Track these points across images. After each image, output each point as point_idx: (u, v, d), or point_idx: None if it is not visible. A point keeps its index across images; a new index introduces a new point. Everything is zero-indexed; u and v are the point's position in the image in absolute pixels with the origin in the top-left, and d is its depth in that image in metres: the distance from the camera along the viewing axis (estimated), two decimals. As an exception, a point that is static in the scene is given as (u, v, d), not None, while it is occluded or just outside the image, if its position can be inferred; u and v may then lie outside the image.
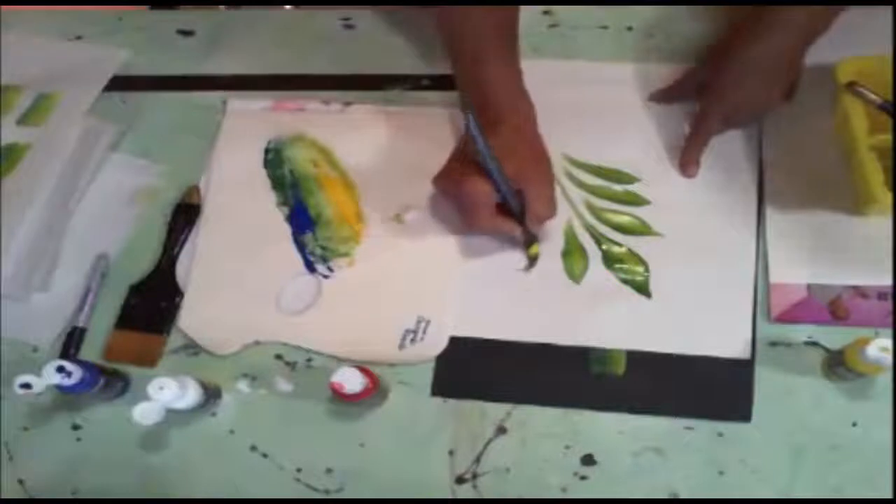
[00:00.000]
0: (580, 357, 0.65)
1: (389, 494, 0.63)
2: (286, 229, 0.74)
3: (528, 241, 0.68)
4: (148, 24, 0.90)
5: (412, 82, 0.81)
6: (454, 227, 0.72)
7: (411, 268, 0.70)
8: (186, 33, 0.88)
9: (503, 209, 0.65)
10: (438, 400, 0.66)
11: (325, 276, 0.71)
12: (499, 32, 0.69)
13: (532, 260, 0.69)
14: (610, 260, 0.69)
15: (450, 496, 0.62)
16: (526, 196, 0.64)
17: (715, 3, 0.78)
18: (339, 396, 0.61)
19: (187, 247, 0.75)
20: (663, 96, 0.75)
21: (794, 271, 0.65)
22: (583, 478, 0.62)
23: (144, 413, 0.61)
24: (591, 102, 0.76)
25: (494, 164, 0.61)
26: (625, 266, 0.68)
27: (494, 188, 0.63)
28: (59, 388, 0.62)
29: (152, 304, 0.72)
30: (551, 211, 0.66)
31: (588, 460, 0.62)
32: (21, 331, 0.73)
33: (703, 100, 0.71)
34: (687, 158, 0.71)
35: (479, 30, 0.69)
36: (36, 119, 0.83)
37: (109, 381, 0.66)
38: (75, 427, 0.69)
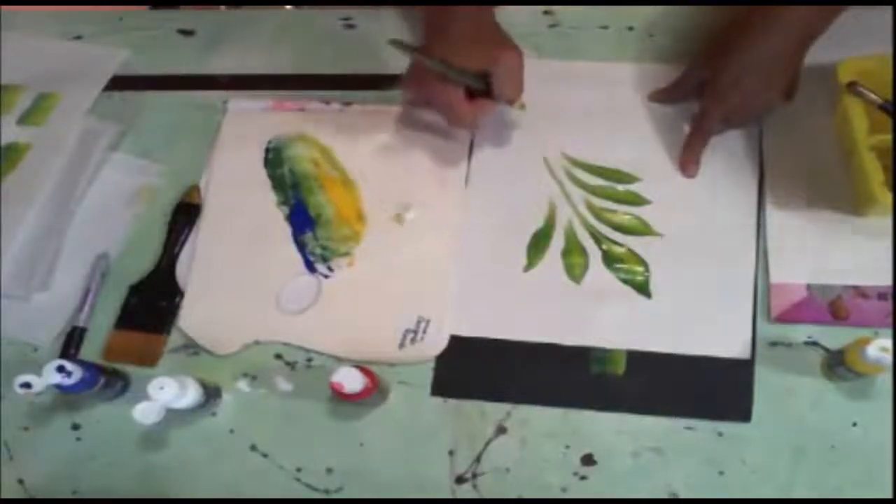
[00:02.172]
0: (580, 357, 0.65)
1: (389, 494, 0.63)
2: (286, 229, 0.74)
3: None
4: (148, 23, 0.90)
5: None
6: (454, 226, 0.72)
7: (411, 268, 0.70)
8: (187, 33, 0.88)
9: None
10: (438, 400, 0.66)
11: (325, 276, 0.71)
12: None
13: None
14: (610, 260, 0.69)
15: (450, 496, 0.62)
16: (492, 79, 0.67)
17: (715, 3, 0.78)
18: (339, 396, 0.61)
19: (187, 247, 0.75)
20: (663, 97, 0.75)
21: (794, 271, 0.65)
22: (583, 478, 0.62)
23: (144, 413, 0.61)
24: (592, 102, 0.76)
25: (443, 66, 0.65)
26: (625, 266, 0.68)
27: (457, 83, 0.66)
28: (60, 387, 0.62)
29: (152, 304, 0.72)
30: (517, 91, 0.69)
31: (588, 460, 0.62)
32: (21, 330, 0.73)
33: (702, 100, 0.71)
34: (687, 158, 0.71)
35: None
36: (36, 119, 0.83)
37: (109, 381, 0.66)
38: (75, 427, 0.69)
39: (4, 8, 0.91)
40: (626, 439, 0.62)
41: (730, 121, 0.71)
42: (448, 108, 0.69)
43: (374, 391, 0.63)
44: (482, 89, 0.68)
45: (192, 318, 0.71)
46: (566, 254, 0.69)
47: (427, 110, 0.74)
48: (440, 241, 0.71)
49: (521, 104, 0.70)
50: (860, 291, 0.64)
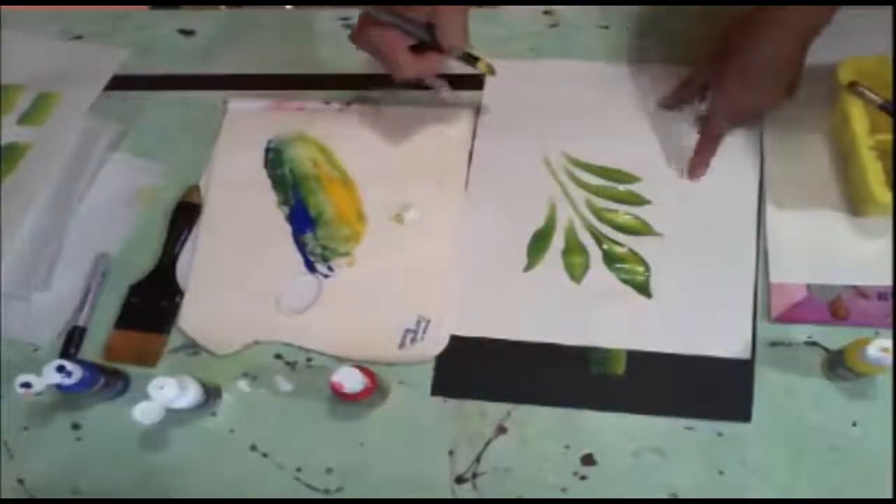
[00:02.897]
0: (580, 357, 0.65)
1: (389, 494, 0.63)
2: (286, 229, 0.74)
3: (470, 58, 0.69)
4: (148, 23, 0.90)
5: (412, 82, 0.80)
6: (454, 226, 0.72)
7: (411, 267, 0.70)
8: (187, 33, 0.88)
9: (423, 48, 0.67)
10: (438, 400, 0.66)
11: (326, 276, 0.71)
12: None
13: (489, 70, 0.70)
14: (611, 260, 0.69)
15: (450, 496, 0.62)
16: (436, 29, 0.65)
17: (715, 3, 0.78)
18: (339, 396, 0.61)
19: (188, 246, 0.75)
20: (669, 101, 0.74)
21: (794, 271, 0.65)
22: (583, 478, 0.62)
23: (144, 412, 0.61)
24: (592, 102, 0.76)
25: (388, 14, 0.64)
26: (625, 266, 0.68)
27: (401, 31, 0.65)
28: (60, 387, 0.62)
29: (152, 304, 0.72)
30: (461, 39, 0.67)
31: (588, 460, 0.62)
32: (21, 330, 0.73)
33: (708, 102, 0.71)
34: (697, 161, 0.71)
35: None
36: (36, 119, 0.83)
37: (109, 381, 0.66)
38: (75, 426, 0.69)
39: (4, 8, 0.91)
40: (626, 439, 0.62)
41: (736, 120, 0.71)
42: (389, 56, 0.66)
43: (374, 391, 0.63)
44: (429, 42, 0.66)
45: (192, 317, 0.71)
46: (566, 254, 0.69)
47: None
48: (440, 240, 0.71)
49: (486, 65, 0.69)
50: (860, 291, 0.64)
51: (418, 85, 0.72)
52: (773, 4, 0.65)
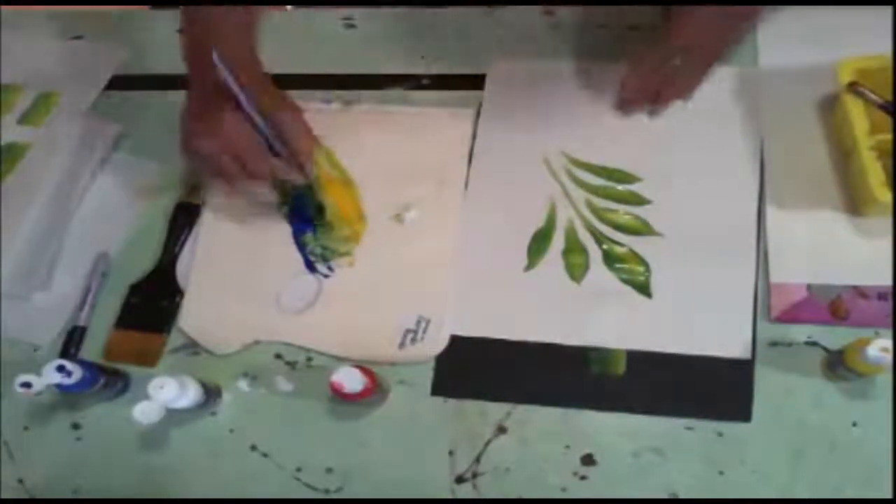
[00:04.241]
0: (580, 357, 0.65)
1: (389, 494, 0.63)
2: (287, 229, 0.74)
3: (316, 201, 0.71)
4: (148, 23, 0.90)
5: (412, 82, 0.81)
6: (454, 226, 0.72)
7: (411, 267, 0.70)
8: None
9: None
10: (438, 400, 0.66)
11: (326, 276, 0.71)
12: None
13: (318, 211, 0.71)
14: (611, 260, 0.69)
15: (450, 496, 0.62)
16: (285, 134, 0.65)
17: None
18: (339, 396, 0.61)
19: (187, 246, 0.75)
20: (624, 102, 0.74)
21: (794, 271, 0.65)
22: (583, 478, 0.62)
23: (144, 412, 0.61)
24: (592, 102, 0.76)
25: (251, 101, 0.62)
26: (626, 266, 0.68)
27: (255, 130, 0.63)
28: (60, 387, 0.62)
29: (152, 304, 0.72)
30: (311, 141, 0.67)
31: (588, 460, 0.62)
32: (21, 330, 0.73)
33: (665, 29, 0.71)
34: (630, 89, 0.72)
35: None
36: (36, 119, 0.83)
37: (109, 381, 0.66)
38: (75, 426, 0.69)
39: (4, 8, 0.91)
40: (626, 439, 0.62)
41: (688, 54, 0.70)
42: (250, 152, 0.64)
43: (374, 391, 0.63)
44: (278, 148, 0.66)
45: (192, 317, 0.71)
46: (567, 253, 0.69)
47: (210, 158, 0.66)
48: (440, 240, 0.71)
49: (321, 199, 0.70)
50: (860, 291, 0.64)
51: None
52: (771, 4, 0.65)
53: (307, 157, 0.67)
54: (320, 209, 0.72)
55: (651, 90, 0.72)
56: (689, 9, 0.67)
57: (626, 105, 0.74)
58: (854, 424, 0.60)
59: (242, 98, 0.61)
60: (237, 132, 0.63)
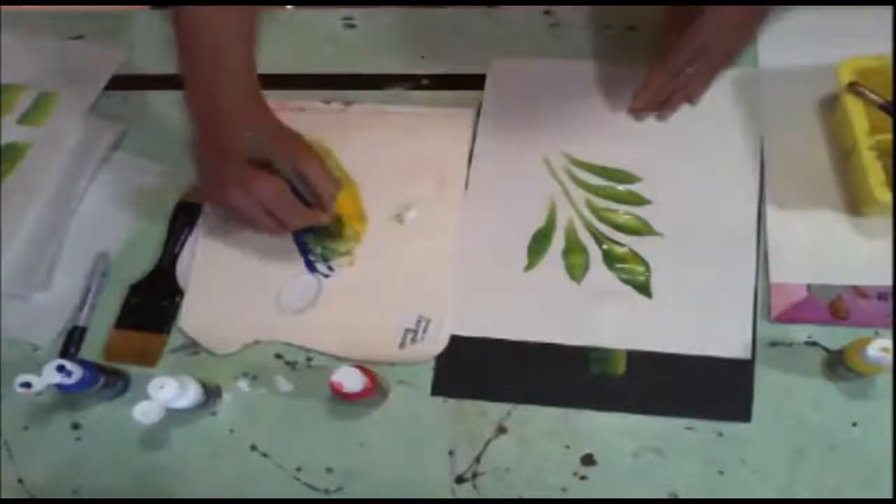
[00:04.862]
0: (580, 357, 0.65)
1: (389, 494, 0.63)
2: (286, 229, 0.74)
3: (338, 226, 0.71)
4: (148, 23, 0.90)
5: (412, 82, 0.81)
6: (454, 226, 0.72)
7: (411, 267, 0.70)
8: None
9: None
10: (438, 400, 0.66)
11: (326, 276, 0.71)
12: (240, 30, 0.66)
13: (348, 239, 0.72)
14: (611, 260, 0.69)
15: (450, 496, 0.62)
16: (309, 178, 0.65)
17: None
18: (338, 396, 0.61)
19: (188, 246, 0.75)
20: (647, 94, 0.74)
21: (794, 271, 0.65)
22: (583, 478, 0.62)
23: (144, 412, 0.61)
24: (592, 102, 0.76)
25: (277, 154, 0.63)
26: (626, 266, 0.68)
27: (283, 179, 0.64)
28: (60, 387, 0.62)
29: (153, 304, 0.72)
30: (336, 184, 0.67)
31: (588, 460, 0.62)
32: (21, 330, 0.73)
33: (674, 41, 0.71)
34: (644, 99, 0.72)
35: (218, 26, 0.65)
36: (36, 118, 0.83)
37: (109, 381, 0.66)
38: (75, 426, 0.69)
39: (4, 8, 0.91)
40: (626, 439, 0.62)
41: (697, 60, 0.70)
42: (284, 206, 0.64)
43: (374, 391, 0.62)
44: (305, 194, 0.66)
45: (192, 317, 0.71)
46: (567, 254, 0.69)
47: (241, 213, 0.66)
48: (441, 240, 0.71)
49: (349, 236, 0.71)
50: (860, 291, 0.64)
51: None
52: (771, 4, 0.65)
53: (332, 200, 0.67)
54: (340, 224, 0.73)
55: (664, 96, 0.72)
56: (708, 9, 0.67)
57: (637, 111, 0.74)
58: (854, 424, 0.60)
59: (277, 162, 0.63)
60: (270, 187, 0.64)
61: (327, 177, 0.67)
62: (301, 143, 0.68)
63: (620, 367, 0.65)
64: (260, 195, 0.64)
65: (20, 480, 0.67)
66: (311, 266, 0.72)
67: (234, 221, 0.71)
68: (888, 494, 0.58)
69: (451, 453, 0.64)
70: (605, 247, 0.69)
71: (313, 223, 0.68)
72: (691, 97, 0.73)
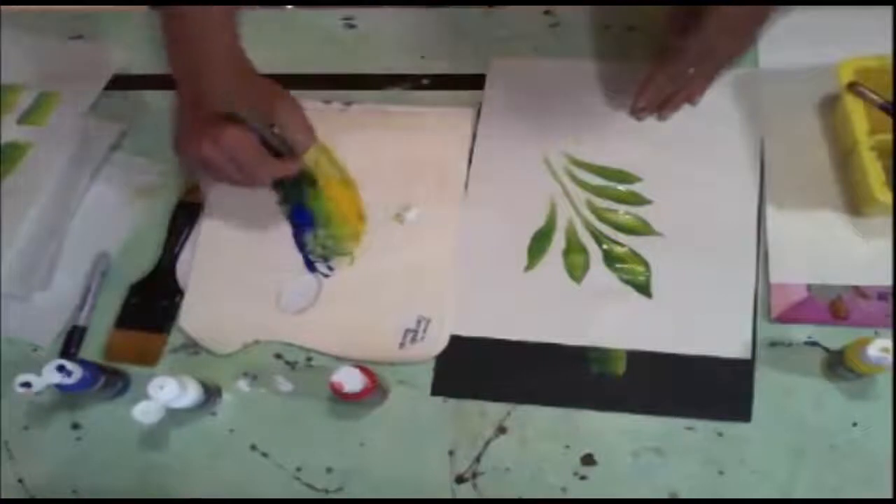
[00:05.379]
0: (580, 357, 0.65)
1: (389, 494, 0.63)
2: (287, 228, 0.74)
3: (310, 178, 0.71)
4: (148, 23, 0.90)
5: (412, 82, 0.81)
6: (454, 226, 0.72)
7: (411, 267, 0.70)
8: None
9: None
10: (438, 400, 0.66)
11: (326, 276, 0.71)
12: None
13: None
14: (611, 260, 0.69)
15: (450, 496, 0.62)
16: (284, 130, 0.65)
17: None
18: (338, 396, 0.61)
19: (188, 246, 0.75)
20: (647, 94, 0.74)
21: (794, 271, 0.65)
22: (583, 478, 0.62)
23: (144, 412, 0.61)
24: (592, 102, 0.76)
25: (254, 114, 0.62)
26: (626, 266, 0.68)
27: (252, 131, 0.63)
28: (60, 387, 0.62)
29: (153, 303, 0.72)
30: (311, 136, 0.67)
31: (588, 460, 0.62)
32: (21, 330, 0.73)
33: (676, 43, 0.70)
34: (645, 100, 0.72)
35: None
36: (36, 118, 0.83)
37: (109, 381, 0.66)
38: (75, 426, 0.69)
39: (4, 7, 0.91)
40: (626, 439, 0.62)
41: (699, 64, 0.70)
42: (253, 160, 0.64)
43: (374, 391, 0.63)
44: (280, 146, 0.66)
45: (192, 317, 0.71)
46: (567, 254, 0.69)
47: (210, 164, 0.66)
48: (441, 240, 0.71)
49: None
50: (860, 291, 0.64)
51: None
52: (771, 4, 0.65)
53: (303, 149, 0.67)
54: (313, 183, 0.73)
55: (665, 96, 0.72)
56: (708, 11, 0.67)
57: (638, 112, 0.74)
58: (854, 424, 0.60)
59: (241, 114, 0.62)
60: (238, 138, 0.63)
61: (301, 126, 0.66)
62: (277, 93, 0.67)
63: (620, 367, 0.65)
64: (228, 146, 0.63)
65: (20, 480, 0.67)
66: (311, 266, 0.72)
67: (204, 175, 0.70)
68: (888, 494, 0.58)
69: (451, 453, 0.64)
70: (605, 247, 0.69)
71: (281, 174, 0.67)
72: (692, 98, 0.73)
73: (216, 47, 0.65)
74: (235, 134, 0.63)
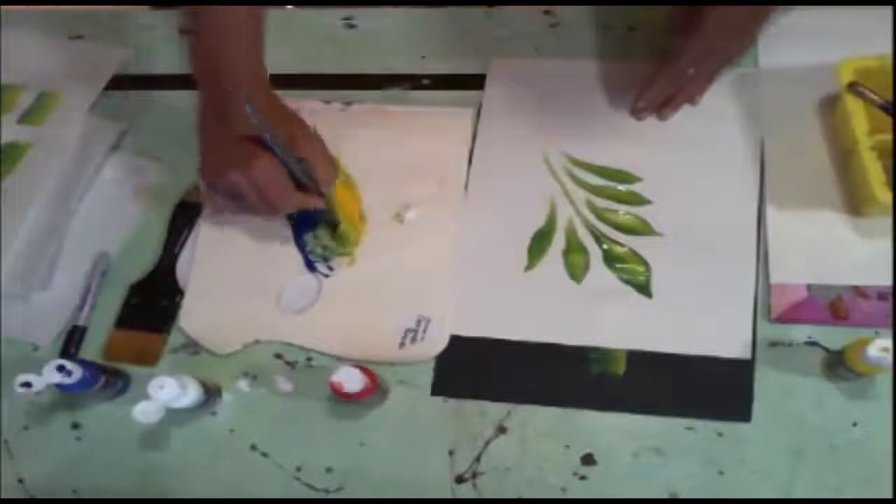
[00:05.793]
0: (580, 357, 0.65)
1: (389, 494, 0.63)
2: (286, 228, 0.74)
3: (332, 219, 0.69)
4: (149, 23, 0.90)
5: (412, 82, 0.81)
6: (454, 226, 0.72)
7: (411, 267, 0.70)
8: (187, 32, 0.88)
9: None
10: (438, 400, 0.66)
11: (326, 276, 0.71)
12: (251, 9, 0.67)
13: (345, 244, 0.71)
14: (611, 259, 0.69)
15: (450, 496, 0.62)
16: (308, 162, 0.64)
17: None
18: (338, 396, 0.61)
19: (188, 246, 0.75)
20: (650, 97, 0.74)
21: (794, 271, 0.65)
22: (583, 478, 0.62)
23: (144, 412, 0.61)
24: (592, 102, 0.76)
25: (274, 135, 0.60)
26: (626, 266, 0.68)
27: (281, 162, 0.63)
28: (60, 387, 0.62)
29: (153, 303, 0.72)
30: (333, 171, 0.67)
31: (588, 460, 0.62)
32: (21, 329, 0.73)
33: (677, 44, 0.70)
34: (647, 101, 0.71)
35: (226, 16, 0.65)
36: (37, 118, 0.83)
37: (109, 380, 0.66)
38: (75, 426, 0.69)
39: (4, 7, 0.91)
40: (626, 439, 0.62)
41: (701, 64, 0.70)
42: (278, 190, 0.64)
43: (374, 391, 0.62)
44: (304, 179, 0.65)
45: (192, 317, 0.71)
46: (567, 254, 0.69)
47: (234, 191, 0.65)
48: (441, 240, 0.71)
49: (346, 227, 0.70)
50: (860, 291, 0.64)
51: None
52: (772, 4, 0.65)
53: (328, 184, 0.66)
54: (334, 227, 0.71)
55: (666, 96, 0.72)
56: (708, 11, 0.67)
57: (638, 113, 0.73)
58: (854, 424, 0.60)
59: (273, 143, 0.61)
60: (269, 171, 0.63)
61: (325, 161, 0.66)
62: (301, 125, 0.67)
63: (620, 367, 0.65)
64: (258, 178, 0.63)
65: (20, 480, 0.67)
66: (311, 266, 0.72)
67: (226, 200, 0.69)
68: (888, 494, 0.58)
69: (451, 453, 0.64)
70: (605, 247, 0.69)
71: (305, 207, 0.67)
72: (692, 98, 0.73)
73: (243, 67, 0.65)
74: (267, 166, 0.63)
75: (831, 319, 0.63)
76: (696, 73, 0.71)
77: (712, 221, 0.69)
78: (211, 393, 0.66)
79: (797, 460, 0.60)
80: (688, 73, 0.71)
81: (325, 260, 0.72)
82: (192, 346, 0.70)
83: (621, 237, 0.70)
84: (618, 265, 0.68)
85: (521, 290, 0.68)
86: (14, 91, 0.85)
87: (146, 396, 0.61)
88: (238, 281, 0.72)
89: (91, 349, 0.71)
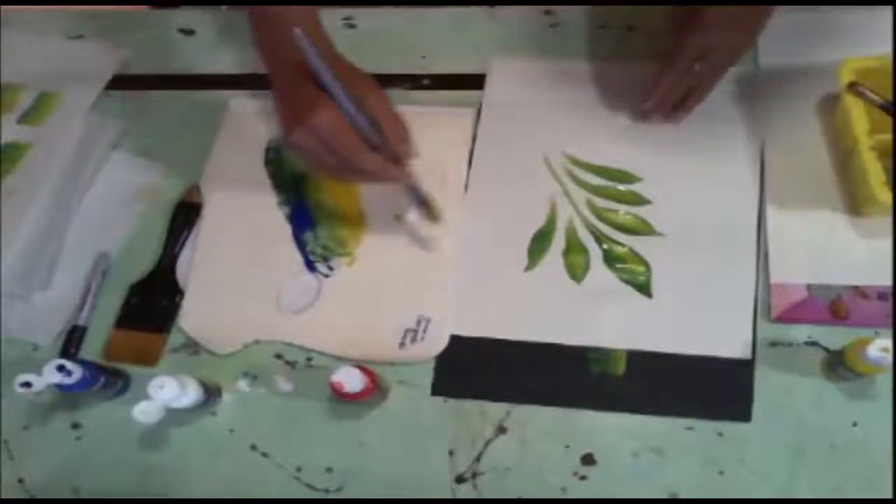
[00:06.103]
0: (580, 357, 0.65)
1: (389, 494, 0.63)
2: (287, 228, 0.74)
3: (420, 197, 0.67)
4: (149, 23, 0.90)
5: (412, 82, 0.81)
6: (455, 226, 0.72)
7: (411, 267, 0.70)
8: (187, 33, 0.88)
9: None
10: (438, 400, 0.66)
11: (326, 276, 0.71)
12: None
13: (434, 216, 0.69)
14: (611, 259, 0.69)
15: (450, 496, 0.62)
16: (380, 121, 0.58)
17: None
18: (338, 396, 0.61)
19: (188, 246, 0.75)
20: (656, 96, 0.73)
21: (794, 271, 0.65)
22: (583, 478, 0.62)
23: (144, 412, 0.61)
24: (592, 102, 0.76)
25: (339, 84, 0.55)
26: (626, 266, 0.68)
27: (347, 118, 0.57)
28: (60, 387, 0.62)
29: (153, 303, 0.72)
30: (407, 130, 0.60)
31: (588, 460, 0.62)
32: (21, 329, 0.73)
33: (678, 40, 0.69)
34: (656, 102, 0.71)
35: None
36: (37, 118, 0.83)
37: (109, 380, 0.66)
38: (75, 426, 0.69)
39: (4, 7, 0.91)
40: (626, 439, 0.62)
41: (703, 59, 0.68)
42: (351, 148, 0.58)
43: (374, 391, 0.62)
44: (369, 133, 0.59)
45: (192, 317, 0.71)
46: (567, 253, 0.69)
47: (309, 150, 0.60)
48: (440, 240, 0.71)
49: (436, 212, 0.68)
50: (860, 291, 0.64)
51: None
52: (772, 4, 0.65)
53: (403, 144, 0.60)
54: (427, 205, 0.68)
55: (678, 96, 0.72)
56: (712, 7, 0.67)
57: (647, 115, 0.73)
58: (854, 424, 0.60)
59: (327, 77, 0.55)
60: (328, 121, 0.57)
61: (398, 124, 0.59)
62: (371, 85, 0.60)
63: (620, 367, 0.65)
64: (318, 127, 0.57)
65: (20, 480, 0.67)
66: (310, 266, 0.72)
67: (310, 163, 0.63)
68: (888, 494, 0.58)
69: (451, 453, 0.64)
70: (605, 246, 0.69)
71: (384, 174, 0.60)
72: (702, 99, 0.72)
73: (305, 22, 0.61)
74: (326, 115, 0.56)
75: (831, 319, 0.63)
76: (701, 69, 0.70)
77: (712, 221, 0.69)
78: (211, 393, 0.66)
79: (797, 460, 0.60)
80: (693, 70, 0.70)
81: (325, 260, 0.72)
82: (192, 346, 0.70)
83: (621, 237, 0.70)
84: (618, 265, 0.68)
85: (521, 290, 0.68)
86: (14, 91, 0.85)
87: (146, 396, 0.61)
88: (238, 281, 0.72)
89: (91, 349, 0.71)
